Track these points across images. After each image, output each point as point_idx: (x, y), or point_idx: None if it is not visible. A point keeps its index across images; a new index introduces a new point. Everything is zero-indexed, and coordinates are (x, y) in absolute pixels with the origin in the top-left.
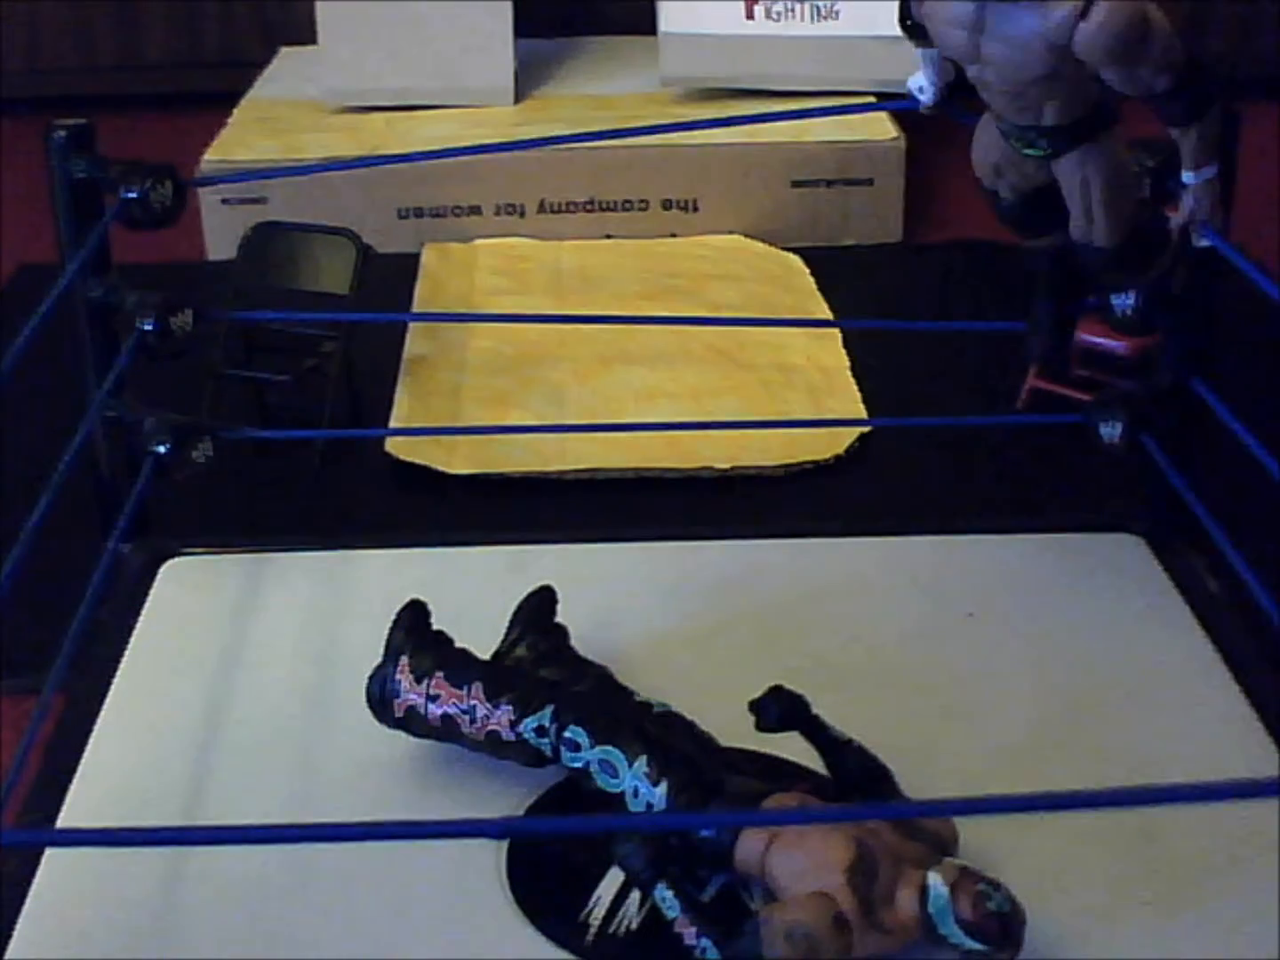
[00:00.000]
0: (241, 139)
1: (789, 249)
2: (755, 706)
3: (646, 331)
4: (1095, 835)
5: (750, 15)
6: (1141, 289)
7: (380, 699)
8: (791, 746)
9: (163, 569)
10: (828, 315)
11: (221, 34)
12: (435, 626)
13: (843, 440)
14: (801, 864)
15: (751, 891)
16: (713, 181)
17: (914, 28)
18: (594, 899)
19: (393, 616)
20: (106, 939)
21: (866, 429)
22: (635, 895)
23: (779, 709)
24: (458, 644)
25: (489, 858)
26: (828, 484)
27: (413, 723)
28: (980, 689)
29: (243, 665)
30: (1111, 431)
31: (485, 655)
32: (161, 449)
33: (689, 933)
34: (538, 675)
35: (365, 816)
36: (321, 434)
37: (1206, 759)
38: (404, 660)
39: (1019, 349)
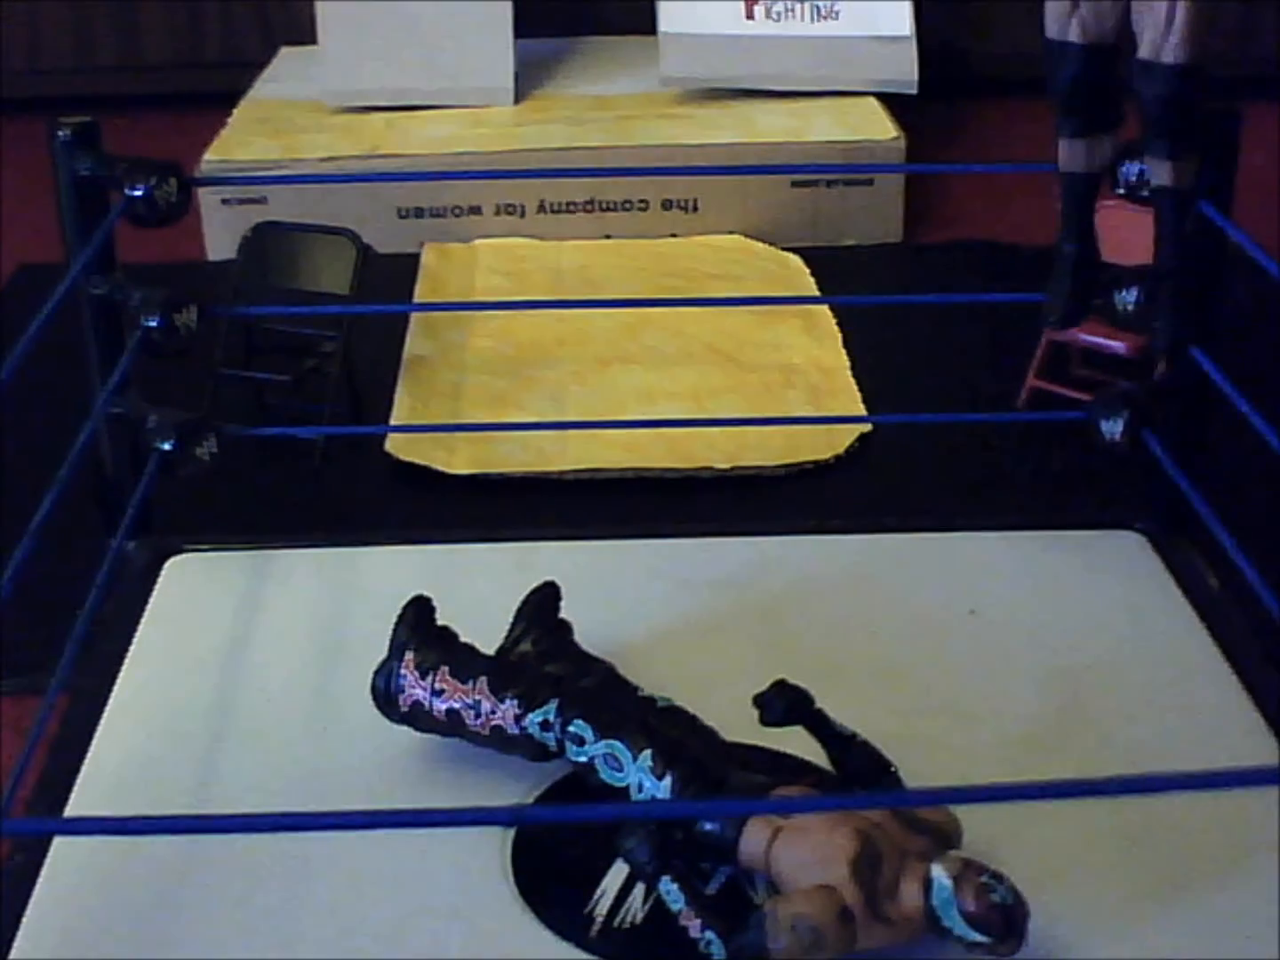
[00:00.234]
0: (241, 139)
1: (789, 249)
2: (759, 701)
3: (646, 331)
4: (1098, 829)
5: (750, 15)
6: (1141, 284)
7: (385, 694)
8: (795, 742)
9: (166, 566)
10: (828, 315)
11: (221, 34)
12: (439, 622)
13: (843, 440)
14: (806, 857)
15: (755, 885)
16: (713, 181)
17: None
18: (599, 893)
19: (397, 612)
20: (113, 931)
21: (867, 428)
22: (640, 889)
23: (783, 704)
24: (462, 639)
25: (494, 852)
26: (828, 484)
27: (418, 718)
28: (982, 686)
29: (247, 662)
30: (1113, 429)
31: (489, 651)
32: (166, 446)
33: (693, 925)
34: (542, 670)
35: None
36: (322, 431)
37: (1208, 755)
38: (409, 655)
39: (1018, 346)
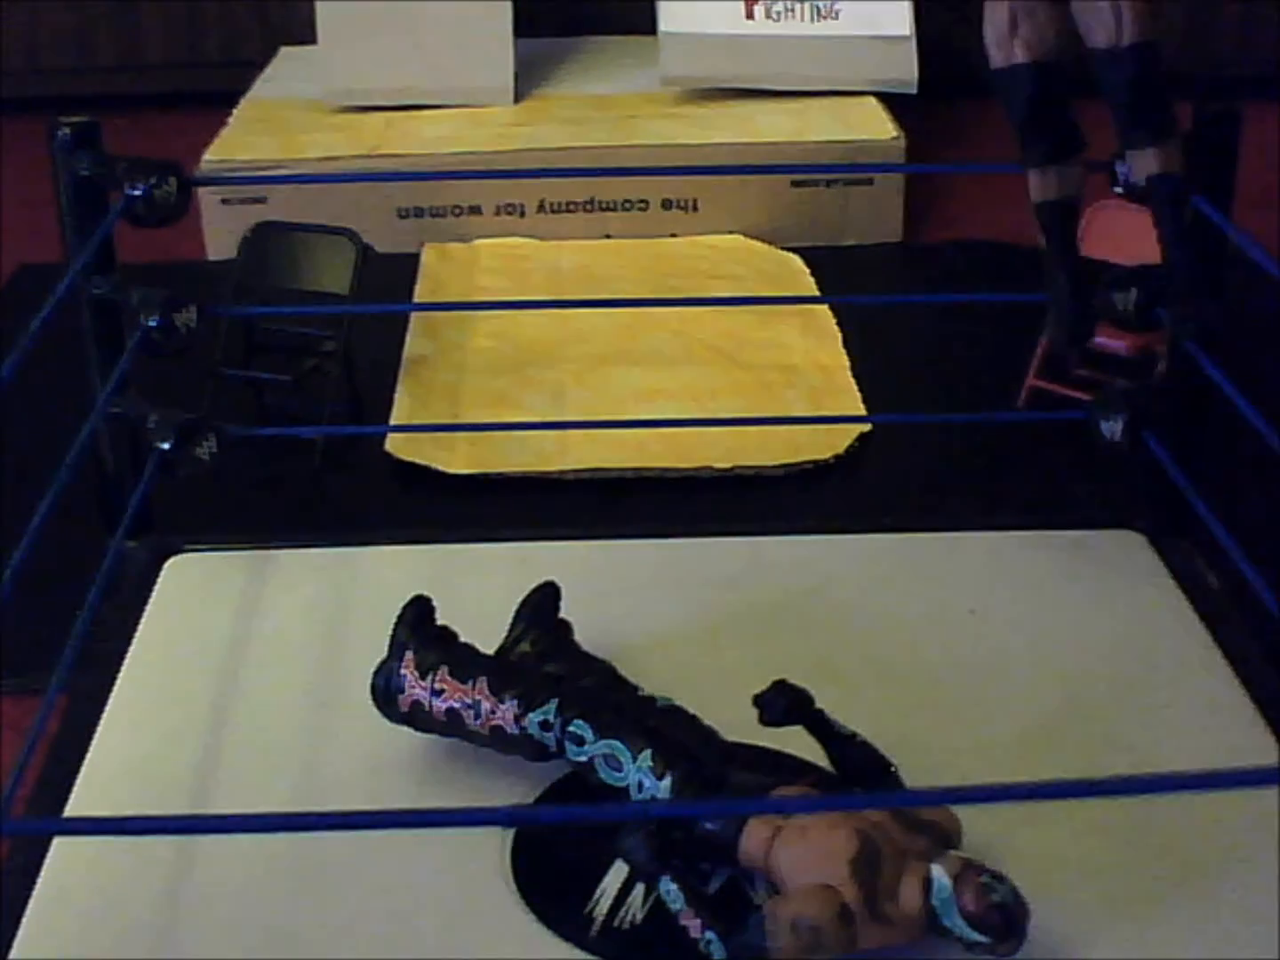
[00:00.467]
0: (241, 139)
1: (789, 249)
2: (759, 701)
3: (646, 331)
4: (1097, 829)
5: (750, 15)
6: (1145, 286)
7: (385, 694)
8: (795, 741)
9: (166, 566)
10: (828, 315)
11: (221, 34)
12: (440, 622)
13: (843, 440)
14: (806, 857)
15: (755, 885)
16: (713, 181)
17: None
18: (599, 893)
19: (397, 612)
20: (113, 931)
21: (867, 428)
22: (640, 889)
23: (783, 703)
24: (461, 639)
25: (493, 853)
26: (828, 484)
27: (417, 718)
28: (982, 684)
29: (247, 661)
30: (1113, 429)
31: (488, 651)
32: (166, 446)
33: (694, 925)
34: (542, 670)
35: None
36: (322, 431)
37: (1207, 752)
38: (409, 655)
39: (1018, 346)
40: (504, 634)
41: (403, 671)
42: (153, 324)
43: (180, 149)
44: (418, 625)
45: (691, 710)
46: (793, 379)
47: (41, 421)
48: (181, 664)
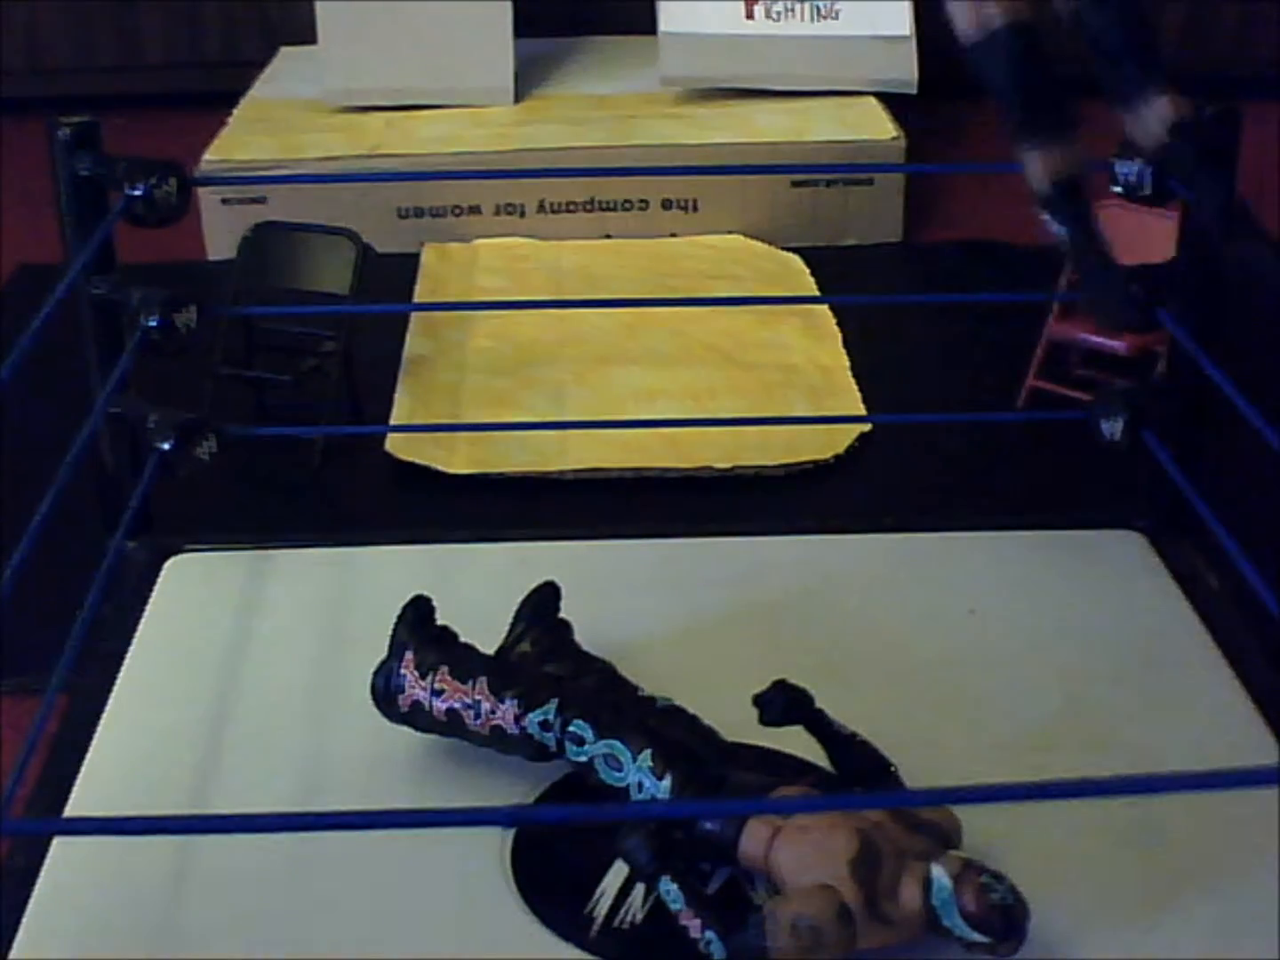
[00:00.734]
0: (241, 139)
1: (789, 249)
2: (759, 701)
3: (646, 331)
4: (1097, 829)
5: (750, 15)
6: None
7: (385, 694)
8: (795, 741)
9: (166, 565)
10: (828, 315)
11: (221, 34)
12: (440, 622)
13: (843, 440)
14: (806, 857)
15: (755, 885)
16: (713, 181)
17: None
18: (599, 893)
19: (397, 612)
20: (113, 931)
21: (866, 428)
22: (640, 889)
23: (783, 703)
24: (461, 639)
25: (494, 853)
26: (828, 484)
27: (417, 717)
28: (982, 684)
29: (247, 660)
30: (1112, 428)
31: (488, 650)
32: (166, 446)
33: (693, 925)
34: (542, 670)
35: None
36: (322, 431)
37: (1206, 752)
38: (409, 655)
39: (1018, 346)
40: (504, 634)
41: (403, 671)
42: (153, 324)
43: (180, 149)
44: (418, 625)
45: (691, 710)
46: (793, 379)
47: (41, 421)
48: (181, 664)
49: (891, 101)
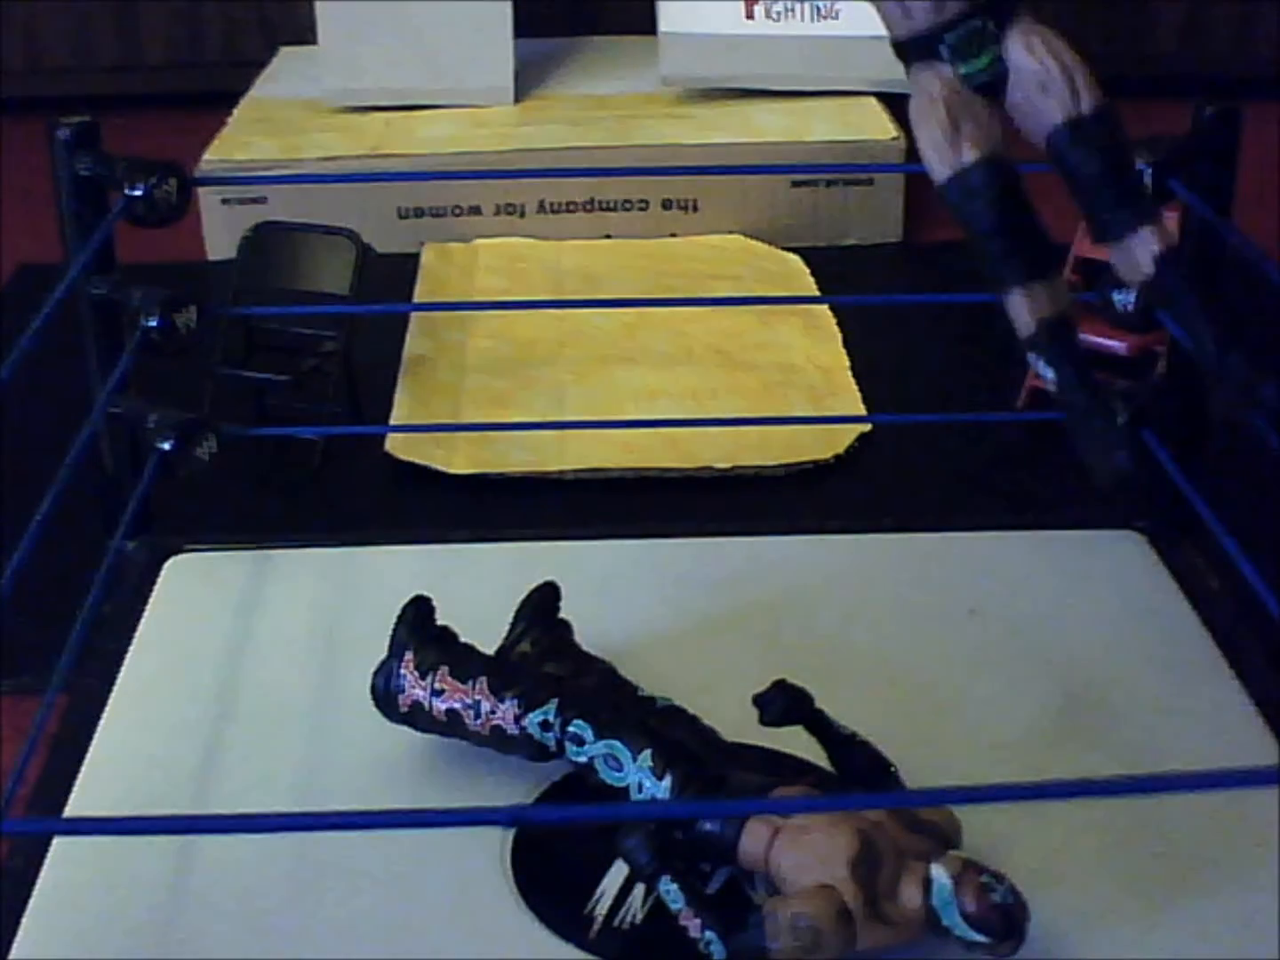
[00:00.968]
0: (241, 139)
1: (789, 249)
2: (759, 701)
3: (646, 331)
4: (1097, 829)
5: (750, 15)
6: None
7: (385, 694)
8: (794, 741)
9: (166, 566)
10: (828, 315)
11: (221, 34)
12: (440, 622)
13: (843, 440)
14: (806, 857)
15: (755, 885)
16: (713, 181)
17: None
18: (599, 893)
19: (397, 612)
20: (113, 931)
21: (867, 428)
22: (640, 889)
23: (783, 703)
24: (461, 639)
25: (493, 852)
26: (828, 484)
27: (417, 718)
28: (982, 685)
29: (247, 661)
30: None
31: (488, 651)
32: (166, 445)
33: (693, 925)
34: (542, 670)
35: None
36: (322, 431)
37: (1207, 754)
38: (408, 655)
39: (1018, 346)
40: (504, 634)
41: (402, 671)
42: (153, 324)
43: (180, 149)
44: (418, 625)
45: (691, 710)
46: (793, 379)
47: (41, 421)
48: (181, 664)
49: (891, 101)
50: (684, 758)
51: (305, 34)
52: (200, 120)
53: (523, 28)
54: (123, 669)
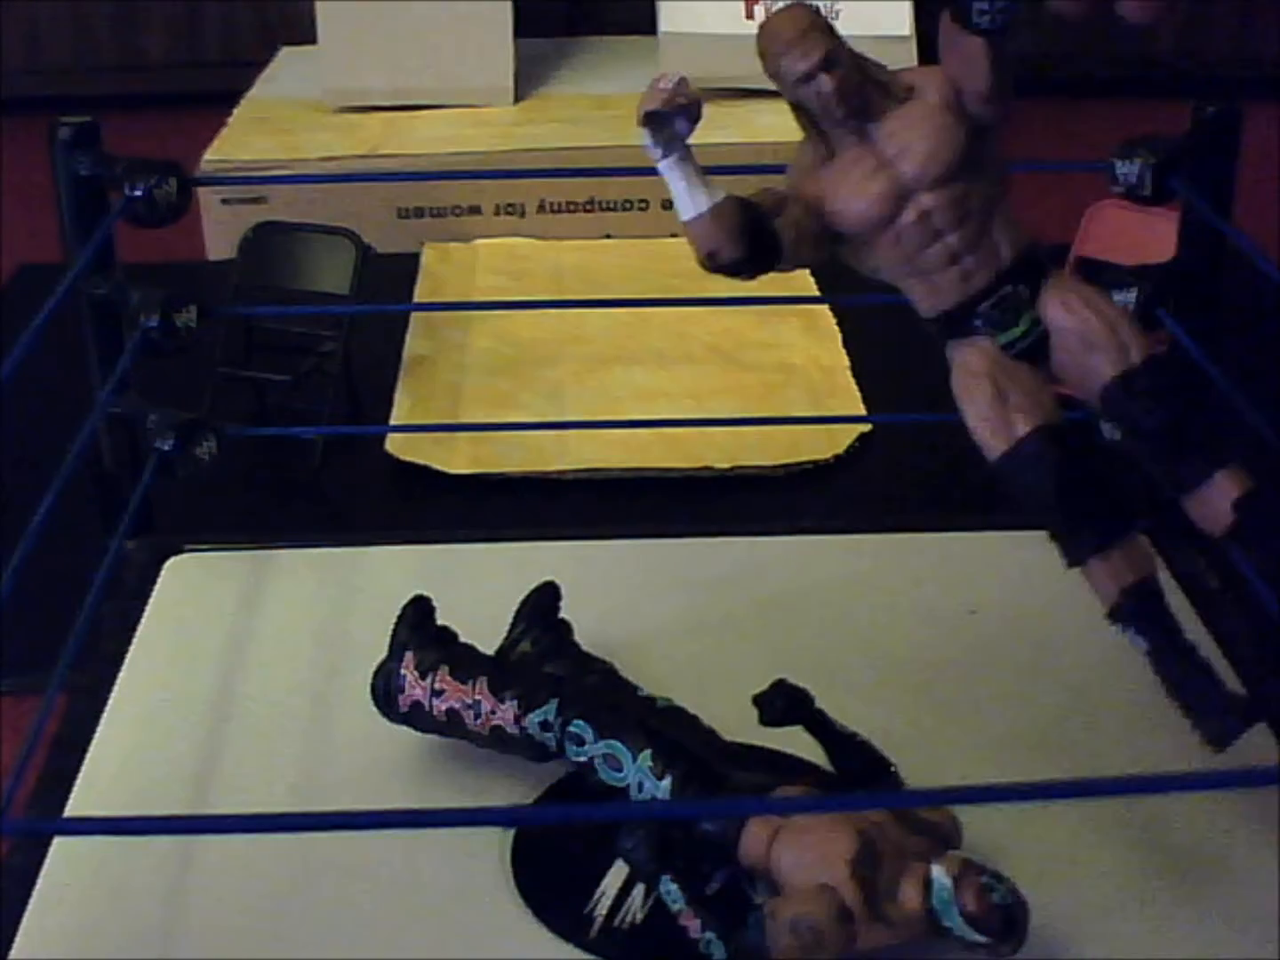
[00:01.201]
0: (241, 139)
1: None
2: (759, 701)
3: (646, 331)
4: (1097, 829)
5: (750, 15)
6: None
7: (385, 694)
8: (794, 742)
9: (166, 566)
10: (828, 315)
11: (222, 34)
12: (440, 622)
13: (843, 440)
14: (805, 857)
15: (755, 885)
16: (712, 181)
17: None
18: (599, 893)
19: (397, 612)
20: (113, 931)
21: (867, 428)
22: (640, 889)
23: (783, 703)
24: (461, 639)
25: (493, 852)
26: (828, 484)
27: (417, 718)
28: (982, 685)
29: (247, 661)
30: (1113, 428)
31: (489, 651)
32: (166, 446)
33: (693, 925)
34: (542, 670)
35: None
36: (322, 431)
37: (1208, 755)
38: (409, 656)
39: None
40: (504, 634)
41: (402, 672)
42: (152, 324)
43: (180, 149)
44: (418, 625)
45: (691, 710)
46: (793, 379)
47: (41, 422)
48: (181, 664)
49: None
50: (684, 758)
51: (305, 34)
52: (200, 120)
53: (523, 28)
54: (123, 669)
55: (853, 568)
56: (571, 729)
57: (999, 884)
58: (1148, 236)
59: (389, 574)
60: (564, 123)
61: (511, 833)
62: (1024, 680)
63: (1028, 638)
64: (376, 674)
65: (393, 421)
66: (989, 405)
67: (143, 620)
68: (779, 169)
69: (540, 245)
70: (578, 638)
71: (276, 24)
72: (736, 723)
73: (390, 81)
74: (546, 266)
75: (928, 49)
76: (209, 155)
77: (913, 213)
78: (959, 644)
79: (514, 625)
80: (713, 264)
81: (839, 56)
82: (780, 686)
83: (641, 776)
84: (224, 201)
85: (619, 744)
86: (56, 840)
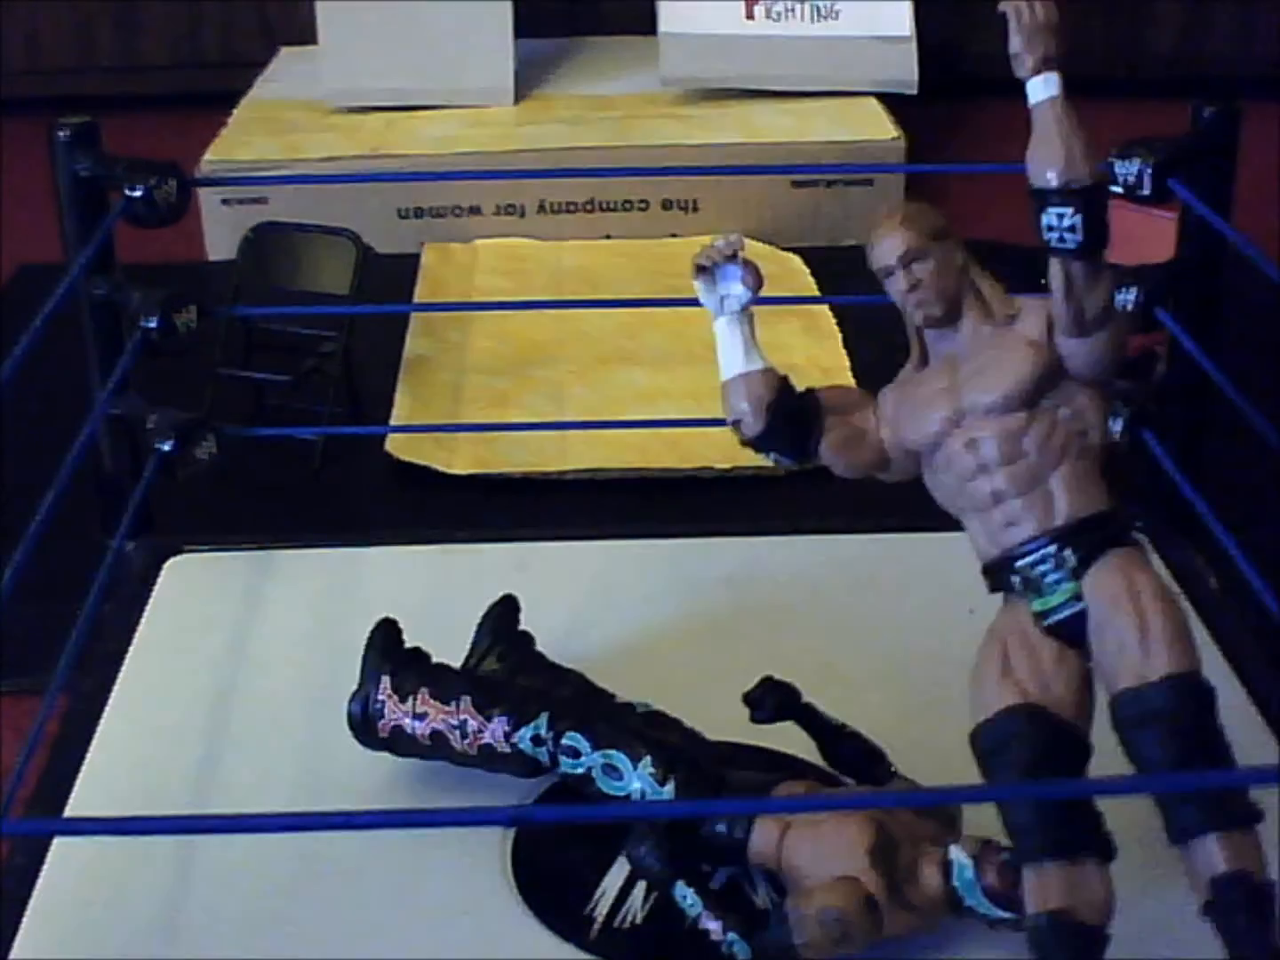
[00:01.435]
0: (241, 139)
1: (789, 249)
2: (749, 699)
3: (646, 331)
4: None
5: (750, 15)
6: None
7: (363, 721)
8: (784, 737)
9: (166, 566)
10: (828, 315)
11: (221, 34)
12: (439, 626)
13: None
14: (822, 849)
15: (756, 885)
16: (713, 182)
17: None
18: (599, 893)
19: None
20: (113, 931)
21: None
22: (640, 889)
23: (773, 701)
24: (434, 660)
25: (494, 852)
26: (828, 484)
27: (398, 743)
28: None
29: (247, 662)
30: (1112, 429)
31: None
32: (166, 446)
33: (715, 928)
34: (518, 685)
35: None
36: (322, 431)
37: None
38: (385, 681)
39: None
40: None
41: (380, 697)
42: (152, 324)
43: (180, 149)
44: (389, 649)
45: (689, 711)
46: (793, 379)
47: (41, 421)
48: (181, 664)
49: (891, 101)
50: (683, 761)
51: (305, 34)
52: (200, 120)
53: (523, 28)
54: (123, 669)
55: (852, 568)
56: (566, 741)
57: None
58: (1147, 236)
59: (389, 574)
60: (564, 123)
61: (511, 833)
62: None
63: None
64: (352, 701)
65: (393, 421)
66: (990, 671)
67: (143, 620)
68: (779, 169)
69: (540, 245)
70: (578, 638)
71: (276, 24)
72: (736, 722)
73: (390, 82)
74: (546, 266)
75: (927, 49)
76: (209, 156)
77: (961, 438)
78: (959, 644)
79: (477, 641)
80: (740, 435)
81: (923, 257)
82: (768, 684)
83: (643, 784)
84: (224, 202)
85: (616, 753)
86: (57, 840)
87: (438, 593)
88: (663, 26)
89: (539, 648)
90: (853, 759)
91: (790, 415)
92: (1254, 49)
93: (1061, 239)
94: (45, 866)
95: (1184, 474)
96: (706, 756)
